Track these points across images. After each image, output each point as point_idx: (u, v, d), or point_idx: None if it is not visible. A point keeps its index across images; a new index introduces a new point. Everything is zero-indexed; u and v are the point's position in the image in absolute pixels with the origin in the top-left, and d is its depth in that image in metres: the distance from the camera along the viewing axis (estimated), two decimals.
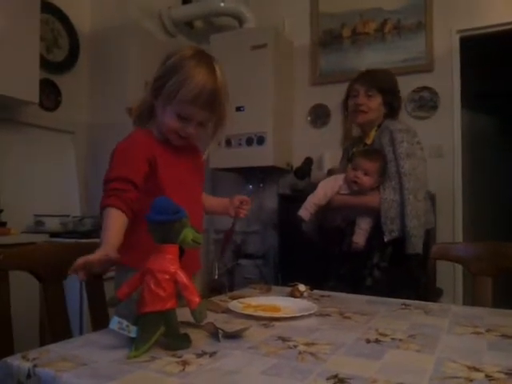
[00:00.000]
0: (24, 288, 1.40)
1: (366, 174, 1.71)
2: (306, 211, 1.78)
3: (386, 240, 1.67)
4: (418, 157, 1.74)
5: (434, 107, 3.12)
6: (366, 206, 1.74)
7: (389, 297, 1.31)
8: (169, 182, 1.18)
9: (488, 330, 0.95)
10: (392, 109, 1.88)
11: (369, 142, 1.87)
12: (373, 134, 1.85)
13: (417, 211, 1.66)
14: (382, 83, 1.84)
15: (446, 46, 3.09)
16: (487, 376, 0.68)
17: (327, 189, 1.80)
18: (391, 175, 1.73)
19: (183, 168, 1.27)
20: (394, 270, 1.71)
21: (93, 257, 0.90)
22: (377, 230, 1.71)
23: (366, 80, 1.86)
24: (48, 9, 2.91)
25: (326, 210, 1.82)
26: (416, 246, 1.66)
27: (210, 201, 1.43)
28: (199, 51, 1.22)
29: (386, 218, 1.68)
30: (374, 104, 1.83)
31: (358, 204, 1.76)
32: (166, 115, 1.18)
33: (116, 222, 1.04)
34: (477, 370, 0.71)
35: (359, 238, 1.73)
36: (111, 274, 1.39)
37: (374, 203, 1.72)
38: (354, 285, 1.66)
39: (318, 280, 1.50)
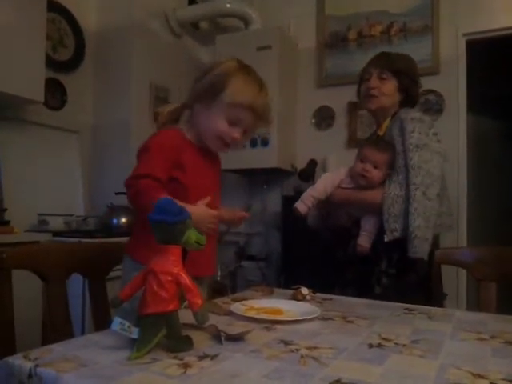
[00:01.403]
0: (27, 287, 1.40)
1: (375, 166, 1.57)
2: (303, 205, 1.64)
3: (386, 240, 1.53)
4: (433, 149, 1.56)
5: (440, 110, 3.10)
6: (366, 202, 1.60)
7: None
8: (194, 186, 1.20)
9: (492, 337, 0.94)
10: (409, 96, 1.69)
11: (381, 133, 1.70)
12: (386, 124, 1.68)
13: (424, 210, 1.49)
14: (397, 65, 1.65)
15: (452, 49, 3.07)
16: (492, 383, 0.67)
17: (327, 183, 1.67)
18: (398, 169, 1.56)
19: (208, 173, 1.28)
20: (403, 277, 1.58)
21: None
22: (383, 232, 1.57)
23: (380, 62, 1.68)
24: (54, 8, 2.92)
25: (328, 206, 1.69)
26: (419, 249, 1.49)
27: None
28: (245, 64, 1.26)
29: (388, 216, 1.52)
30: (388, 88, 1.65)
31: (358, 200, 1.61)
32: (213, 119, 1.19)
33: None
34: (481, 377, 0.70)
35: (364, 240, 1.61)
36: (114, 273, 1.40)
37: (375, 199, 1.56)
38: (362, 292, 1.50)
39: (322, 283, 1.42)
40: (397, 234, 1.53)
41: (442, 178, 1.59)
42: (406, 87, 1.67)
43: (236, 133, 1.21)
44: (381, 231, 1.59)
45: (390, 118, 1.68)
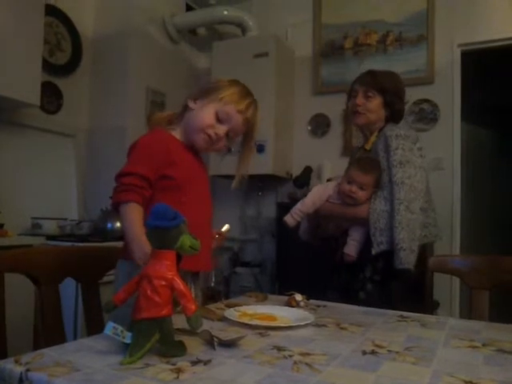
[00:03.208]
0: (19, 291, 1.40)
1: (361, 188, 1.63)
2: (291, 218, 1.72)
3: (373, 252, 1.59)
4: (417, 165, 1.62)
5: (434, 119, 3.13)
6: (355, 216, 1.66)
7: None
8: (187, 181, 1.22)
9: (484, 344, 0.95)
10: (394, 112, 1.77)
11: (368, 147, 1.77)
12: (373, 139, 1.75)
13: (408, 223, 1.55)
14: (382, 83, 1.73)
15: (447, 59, 3.10)
16: None
17: (316, 197, 1.73)
18: (383, 184, 1.63)
19: (199, 170, 1.31)
20: (386, 284, 1.62)
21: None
22: (370, 242, 1.62)
23: (366, 80, 1.76)
24: (52, 12, 2.93)
25: (317, 218, 1.76)
26: (405, 260, 1.54)
27: None
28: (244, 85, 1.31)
29: (375, 230, 1.59)
30: (373, 105, 1.73)
31: (346, 214, 1.68)
32: (203, 111, 1.23)
33: (139, 217, 1.09)
34: None
35: (351, 249, 1.66)
36: (107, 278, 1.39)
37: (362, 214, 1.63)
38: (347, 297, 1.57)
39: (311, 288, 1.45)
40: (383, 247, 1.59)
41: (426, 191, 1.66)
42: (391, 103, 1.75)
43: (221, 130, 1.24)
44: (367, 240, 1.64)
45: (376, 133, 1.76)
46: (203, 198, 1.29)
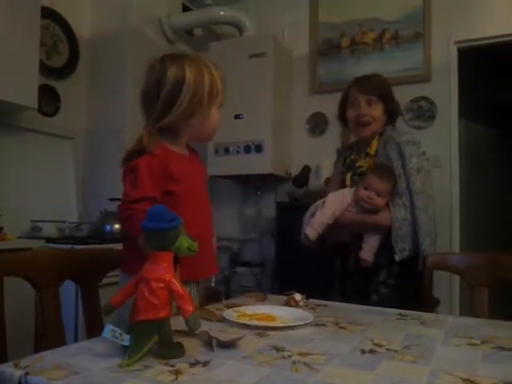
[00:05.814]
0: (19, 294, 1.40)
1: (378, 194, 1.63)
2: (313, 231, 1.66)
3: (397, 259, 1.61)
4: (426, 170, 1.69)
5: (432, 117, 3.13)
6: (377, 224, 1.66)
7: None
8: (188, 195, 1.19)
9: (483, 342, 0.95)
10: (391, 116, 1.80)
11: (372, 152, 1.77)
12: (375, 143, 1.76)
13: (429, 229, 1.63)
14: (381, 90, 1.75)
15: (443, 56, 3.10)
16: None
17: (336, 207, 1.69)
18: (401, 191, 1.65)
19: (198, 180, 1.27)
20: (401, 287, 1.65)
21: None
22: (385, 247, 1.64)
23: (365, 87, 1.75)
24: (48, 14, 2.93)
25: (332, 226, 1.71)
26: None
27: None
28: (174, 53, 1.25)
29: (397, 237, 1.61)
30: (377, 112, 1.73)
31: (368, 222, 1.68)
32: (210, 116, 1.22)
33: None
34: (471, 382, 0.70)
35: (368, 255, 1.66)
36: (107, 280, 1.40)
37: (385, 221, 1.64)
38: (359, 301, 1.52)
39: (317, 290, 1.45)
40: (406, 254, 1.63)
41: (433, 194, 1.73)
42: (390, 109, 1.78)
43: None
44: (382, 245, 1.66)
45: (377, 136, 1.77)
46: (203, 206, 1.26)
